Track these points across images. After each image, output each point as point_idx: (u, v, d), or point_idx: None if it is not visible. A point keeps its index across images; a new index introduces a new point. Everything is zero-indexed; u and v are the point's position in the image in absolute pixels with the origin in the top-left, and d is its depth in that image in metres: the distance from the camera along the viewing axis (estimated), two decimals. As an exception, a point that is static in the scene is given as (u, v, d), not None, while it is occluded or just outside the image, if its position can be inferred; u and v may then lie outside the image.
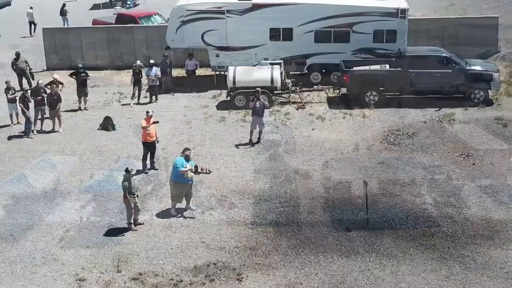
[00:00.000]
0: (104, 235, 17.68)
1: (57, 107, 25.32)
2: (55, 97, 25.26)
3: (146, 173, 21.29)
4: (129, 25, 35.91)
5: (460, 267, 15.80)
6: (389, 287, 15.15)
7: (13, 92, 25.65)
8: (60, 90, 26.86)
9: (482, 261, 16.02)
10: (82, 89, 27.76)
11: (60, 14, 44.78)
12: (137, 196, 17.93)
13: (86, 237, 17.56)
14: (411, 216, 18.22)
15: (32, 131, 25.27)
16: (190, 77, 31.14)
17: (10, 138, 25.07)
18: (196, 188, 19.92)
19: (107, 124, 25.51)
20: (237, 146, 23.52)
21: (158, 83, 28.97)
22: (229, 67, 28.38)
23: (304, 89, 29.33)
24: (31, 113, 25.25)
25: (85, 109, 28.00)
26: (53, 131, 25.58)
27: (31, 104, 25.28)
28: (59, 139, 24.76)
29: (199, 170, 18.53)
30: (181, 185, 18.42)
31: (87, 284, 15.39)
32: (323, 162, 21.97)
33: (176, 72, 32.02)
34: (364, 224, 17.83)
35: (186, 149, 18.59)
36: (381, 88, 27.19)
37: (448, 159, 21.90)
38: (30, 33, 42.59)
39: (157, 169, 21.50)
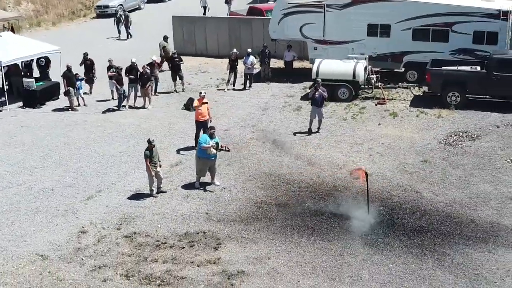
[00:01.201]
0: (128, 198, 19.54)
1: (147, 85, 27.67)
2: (145, 76, 27.65)
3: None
4: (250, 17, 37.77)
5: (433, 263, 15.68)
6: (340, 267, 15.43)
7: (114, 70, 28.34)
8: (159, 71, 29.35)
9: (460, 261, 15.76)
10: (175, 73, 29.98)
11: (225, 3, 47.84)
12: (160, 166, 19.54)
13: (112, 198, 19.52)
14: (417, 212, 18.16)
15: (124, 106, 27.89)
16: (288, 68, 32.10)
17: (105, 111, 27.81)
18: (231, 167, 21.24)
19: (189, 105, 27.40)
20: (294, 133, 24.34)
21: (253, 71, 30.41)
22: (316, 59, 29.08)
23: (388, 85, 29.22)
24: (126, 89, 27.80)
25: (182, 90, 30.13)
26: (142, 107, 27.98)
27: (126, 82, 27.84)
28: (144, 115, 27.14)
29: (220, 148, 19.77)
30: (204, 160, 19.82)
31: (85, 236, 17.33)
32: (367, 155, 22.19)
33: (275, 63, 33.17)
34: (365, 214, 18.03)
35: (211, 127, 19.93)
36: (465, 90, 26.50)
37: (496, 164, 21.18)
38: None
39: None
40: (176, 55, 30.18)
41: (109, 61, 28.77)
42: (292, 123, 25.61)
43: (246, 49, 30.94)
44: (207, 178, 20.27)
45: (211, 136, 19.75)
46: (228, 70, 30.59)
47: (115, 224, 17.89)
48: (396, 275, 15.27)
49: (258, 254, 16.27)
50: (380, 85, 28.43)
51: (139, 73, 27.90)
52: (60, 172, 21.55)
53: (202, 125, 22.93)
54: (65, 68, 28.00)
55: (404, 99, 28.09)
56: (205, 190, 19.88)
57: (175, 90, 30.28)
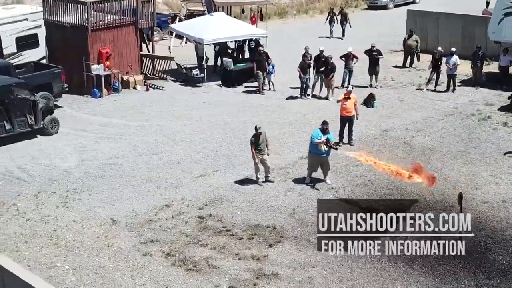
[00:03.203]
0: (235, 181, 19.39)
1: (330, 76, 27.02)
2: (329, 67, 26.99)
3: (340, 146, 21.70)
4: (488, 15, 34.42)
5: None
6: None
7: (309, 58, 28.08)
8: (354, 63, 28.49)
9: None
10: (373, 67, 28.71)
11: None
12: (268, 154, 19.07)
13: (220, 178, 19.56)
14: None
15: (308, 95, 27.63)
16: (502, 74, 28.79)
17: (287, 98, 27.80)
18: (357, 168, 20.03)
19: (369, 101, 26.19)
20: (503, 155, 21.19)
21: (455, 72, 27.94)
22: (522, 65, 25.72)
23: None
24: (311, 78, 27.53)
25: (375, 87, 28.81)
26: (325, 98, 27.44)
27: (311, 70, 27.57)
28: (318, 106, 26.55)
29: (329, 144, 18.65)
30: (315, 155, 18.91)
31: (166, 210, 17.62)
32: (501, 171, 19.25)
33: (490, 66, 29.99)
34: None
35: (325, 122, 18.88)
36: None
37: None
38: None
39: (352, 145, 21.78)
40: (375, 48, 28.83)
41: (305, 48, 28.48)
42: (464, 133, 23.03)
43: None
44: (320, 174, 19.23)
45: (324, 132, 18.68)
46: (431, 69, 28.44)
47: (201, 204, 17.92)
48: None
49: (307, 260, 15.09)
50: None
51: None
52: (199, 148, 22.16)
53: (346, 121, 21.83)
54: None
55: None
56: (312, 187, 18.90)
57: (370, 85, 29.01)
